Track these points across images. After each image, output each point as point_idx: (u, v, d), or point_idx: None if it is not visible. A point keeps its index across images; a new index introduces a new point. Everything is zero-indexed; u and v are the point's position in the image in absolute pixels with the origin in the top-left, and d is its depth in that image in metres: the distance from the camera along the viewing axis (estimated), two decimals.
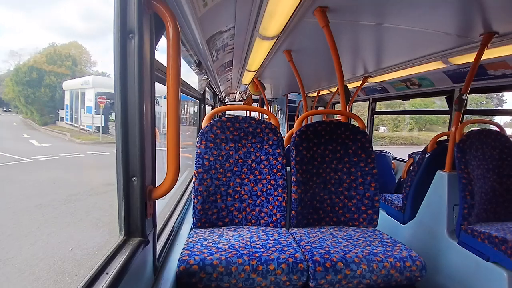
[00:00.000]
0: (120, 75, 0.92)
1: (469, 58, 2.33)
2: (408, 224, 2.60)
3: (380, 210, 1.96)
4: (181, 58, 2.22)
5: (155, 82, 1.09)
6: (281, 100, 8.26)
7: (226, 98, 9.49)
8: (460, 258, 2.00)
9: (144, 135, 0.97)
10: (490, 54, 2.19)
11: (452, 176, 2.20)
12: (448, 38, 2.14)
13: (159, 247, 1.36)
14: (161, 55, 1.25)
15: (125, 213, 0.99)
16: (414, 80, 3.51)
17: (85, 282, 0.76)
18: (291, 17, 1.83)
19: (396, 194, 3.18)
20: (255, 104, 8.89)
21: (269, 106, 8.84)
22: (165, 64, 1.05)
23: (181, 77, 1.11)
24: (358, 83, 4.10)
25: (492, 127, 2.46)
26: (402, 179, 3.72)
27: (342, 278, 1.38)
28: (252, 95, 8.13)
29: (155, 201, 1.14)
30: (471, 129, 2.29)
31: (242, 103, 10.06)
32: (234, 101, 10.62)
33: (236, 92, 8.20)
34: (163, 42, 1.16)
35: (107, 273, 0.81)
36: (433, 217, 2.30)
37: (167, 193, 1.09)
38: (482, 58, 2.09)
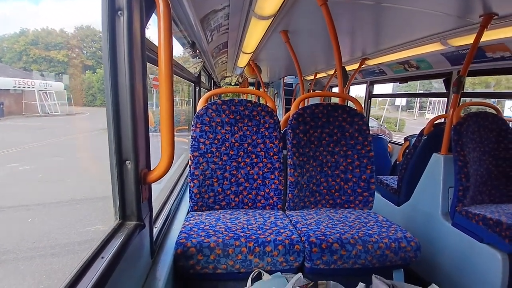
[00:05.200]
0: (109, 54, 0.88)
1: (468, 40, 2.29)
2: (402, 206, 2.63)
3: (375, 193, 1.97)
4: (175, 39, 2.16)
5: (147, 63, 1.05)
6: (277, 84, 8.17)
7: (221, 81, 9.35)
8: (454, 239, 2.04)
9: (136, 117, 0.95)
10: (489, 36, 2.16)
11: (448, 159, 2.21)
12: (448, 19, 2.10)
13: (156, 231, 1.36)
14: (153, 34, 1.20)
15: (120, 197, 0.97)
16: (412, 63, 3.46)
17: (79, 268, 0.75)
18: None
19: (391, 176, 3.21)
20: (251, 88, 8.78)
21: (266, 90, 8.74)
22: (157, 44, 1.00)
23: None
24: (355, 66, 4.05)
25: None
26: (397, 162, 3.74)
27: (337, 259, 1.40)
28: (248, 79, 8.02)
29: (150, 185, 1.13)
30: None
31: (239, 86, 9.93)
32: (230, 84, 10.49)
33: (231, 75, 8.08)
34: (155, 20, 1.11)
35: (102, 257, 0.80)
36: (428, 199, 2.33)
37: (162, 177, 1.07)
38: (481, 40, 2.06)
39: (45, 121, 15.73)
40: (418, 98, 25.42)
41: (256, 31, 2.57)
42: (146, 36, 1.04)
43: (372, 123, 13.64)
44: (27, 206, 4.76)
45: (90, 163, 7.98)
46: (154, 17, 1.10)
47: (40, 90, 18.24)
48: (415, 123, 21.83)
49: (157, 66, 1.02)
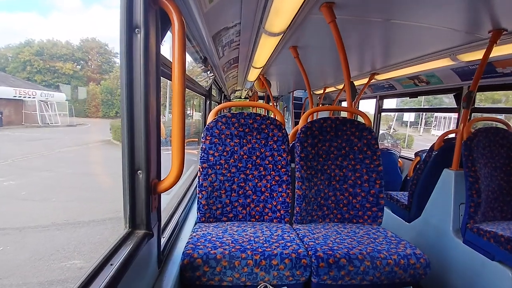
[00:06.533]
0: (126, 70, 0.93)
1: (478, 55, 2.29)
2: (413, 222, 2.58)
3: (385, 208, 1.95)
4: (187, 54, 2.24)
5: (161, 77, 1.10)
6: (287, 97, 8.24)
7: (231, 95, 9.50)
8: (465, 257, 1.98)
9: (150, 129, 0.99)
10: (499, 51, 2.16)
11: (459, 174, 2.18)
12: (457, 34, 2.11)
13: (163, 241, 1.38)
14: (168, 50, 1.26)
15: (130, 205, 1.00)
16: (422, 77, 3.47)
17: (89, 273, 0.77)
18: (297, 13, 1.82)
19: (402, 192, 3.16)
20: (261, 101, 8.89)
21: (275, 103, 8.83)
22: (171, 59, 1.05)
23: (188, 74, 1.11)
24: (365, 80, 4.07)
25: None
26: (408, 177, 3.69)
27: (345, 275, 1.38)
28: (258, 92, 8.13)
29: (160, 195, 1.16)
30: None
31: (248, 100, 10.08)
32: (240, 98, 10.64)
33: (242, 89, 8.21)
34: (169, 37, 1.17)
35: (111, 264, 0.83)
36: (438, 215, 2.28)
37: (172, 187, 1.10)
38: (491, 55, 2.06)
39: (44, 132, 15.07)
40: (424, 114, 25.28)
41: (266, 47, 2.64)
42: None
43: (386, 137, 13.46)
44: (3, 230, 4.34)
45: (82, 180, 7.52)
46: (168, 33, 1.16)
47: (41, 100, 17.75)
48: (421, 139, 21.54)
49: (170, 80, 1.07)
